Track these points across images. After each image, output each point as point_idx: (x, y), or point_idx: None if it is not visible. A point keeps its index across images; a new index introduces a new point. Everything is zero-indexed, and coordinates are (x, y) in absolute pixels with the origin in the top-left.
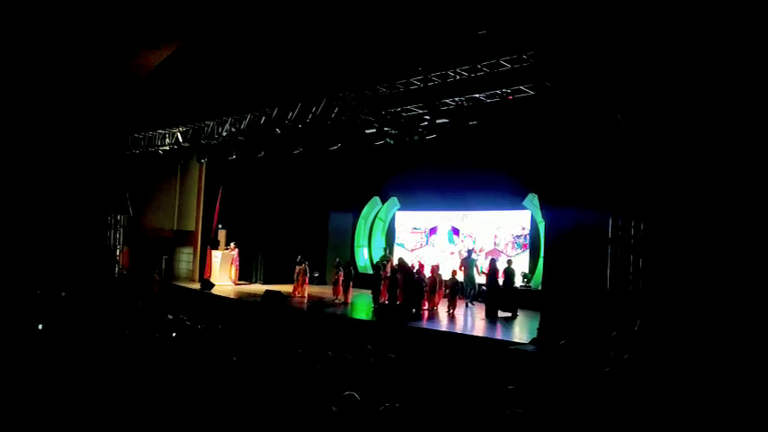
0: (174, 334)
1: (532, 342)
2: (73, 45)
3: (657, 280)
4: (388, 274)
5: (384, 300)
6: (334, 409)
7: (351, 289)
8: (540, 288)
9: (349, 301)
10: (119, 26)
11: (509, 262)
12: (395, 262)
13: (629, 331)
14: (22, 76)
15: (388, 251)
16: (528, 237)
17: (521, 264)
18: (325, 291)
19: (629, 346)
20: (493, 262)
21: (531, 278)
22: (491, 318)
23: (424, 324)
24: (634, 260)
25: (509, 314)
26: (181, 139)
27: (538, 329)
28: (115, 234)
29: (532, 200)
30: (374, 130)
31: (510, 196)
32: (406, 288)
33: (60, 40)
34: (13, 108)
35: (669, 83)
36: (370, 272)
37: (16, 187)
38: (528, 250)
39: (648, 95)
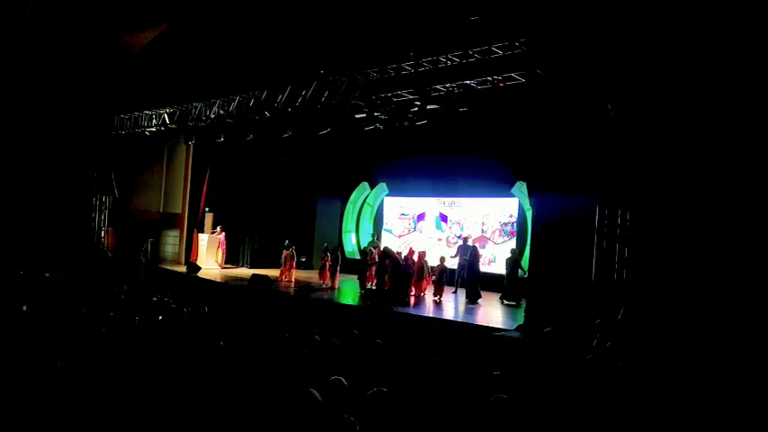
0: (159, 317)
1: (518, 329)
2: (58, 23)
3: (641, 269)
4: (376, 260)
5: (371, 285)
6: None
7: (338, 274)
8: (526, 276)
9: (336, 286)
10: (106, 4)
11: (513, 252)
12: (381, 248)
13: (613, 319)
14: (5, 56)
15: (375, 237)
16: (515, 224)
17: (508, 251)
18: (312, 275)
19: (613, 333)
20: (474, 248)
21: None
22: (471, 302)
23: (411, 310)
24: (619, 249)
25: (513, 303)
26: (168, 121)
27: (524, 316)
28: (100, 215)
29: (521, 187)
30: (364, 115)
31: (498, 184)
32: (393, 274)
33: (45, 19)
34: None
35: (658, 72)
36: (358, 257)
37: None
38: (515, 238)
39: (638, 85)
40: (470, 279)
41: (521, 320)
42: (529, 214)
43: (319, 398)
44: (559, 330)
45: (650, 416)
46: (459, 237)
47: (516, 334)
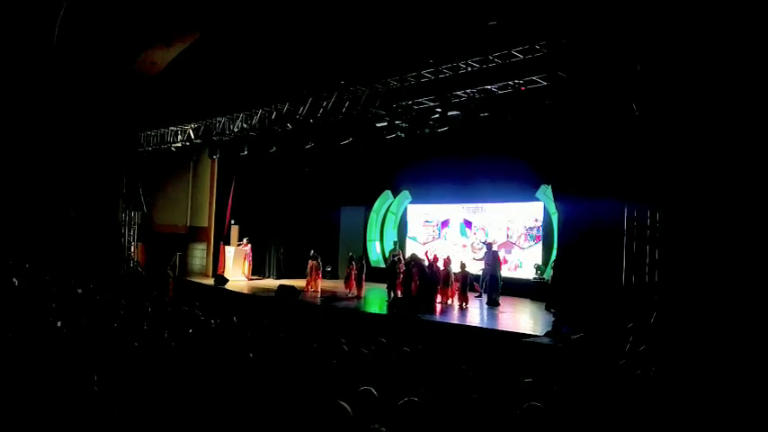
0: (189, 330)
1: (547, 334)
2: (86, 44)
3: (674, 271)
4: (403, 269)
5: (398, 293)
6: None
7: (363, 283)
8: (547, 280)
9: (362, 295)
10: (131, 23)
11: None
12: (406, 256)
13: (646, 323)
14: (38, 77)
15: (397, 245)
16: (541, 228)
17: (534, 256)
18: (337, 285)
19: (646, 338)
20: (495, 254)
21: (545, 270)
22: (491, 307)
23: (437, 317)
24: (650, 251)
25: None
26: (193, 136)
27: (552, 321)
28: (129, 231)
29: (545, 191)
30: (385, 124)
31: (522, 188)
32: (420, 282)
33: (74, 40)
34: (28, 108)
35: (685, 70)
36: (383, 266)
37: (32, 187)
38: (541, 242)
39: (663, 83)
40: (490, 285)
41: (549, 326)
42: (554, 218)
43: (350, 410)
44: (590, 335)
45: (685, 422)
46: (483, 242)
47: (546, 340)
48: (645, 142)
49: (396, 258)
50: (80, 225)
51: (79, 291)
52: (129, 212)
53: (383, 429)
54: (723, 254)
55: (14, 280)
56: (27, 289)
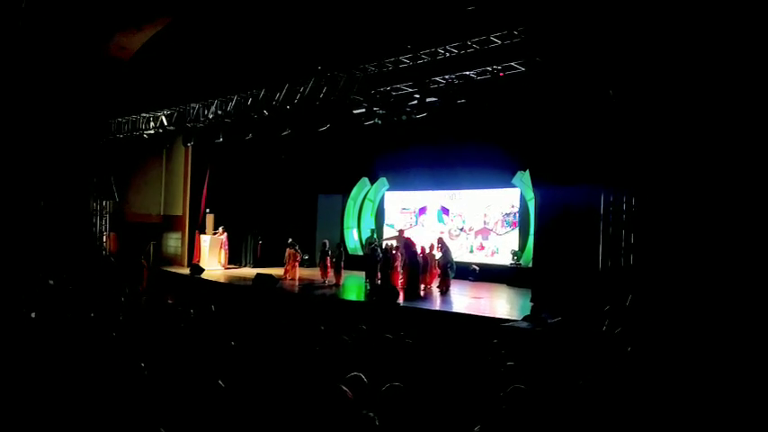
0: (167, 320)
1: (525, 319)
2: (52, 27)
3: (649, 255)
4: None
5: (377, 280)
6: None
7: (342, 271)
8: (530, 265)
9: (341, 283)
10: (99, 6)
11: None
12: (392, 243)
13: (622, 306)
14: (2, 62)
15: (374, 232)
16: (517, 214)
17: (510, 242)
18: (315, 273)
19: (621, 320)
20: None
21: (522, 256)
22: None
23: (417, 303)
24: (626, 236)
25: None
26: (166, 123)
27: (531, 306)
28: (101, 220)
29: (522, 177)
30: (363, 110)
31: (499, 174)
32: (409, 267)
33: (39, 25)
34: None
35: (660, 56)
36: (361, 253)
37: None
38: (517, 228)
39: (639, 69)
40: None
41: (527, 311)
42: (531, 204)
43: (350, 395)
44: (568, 319)
45: (661, 402)
46: (461, 229)
47: (525, 324)
48: (621, 127)
49: (374, 246)
50: (50, 215)
51: (50, 282)
52: (101, 201)
53: (371, 414)
54: (698, 237)
55: None
56: None
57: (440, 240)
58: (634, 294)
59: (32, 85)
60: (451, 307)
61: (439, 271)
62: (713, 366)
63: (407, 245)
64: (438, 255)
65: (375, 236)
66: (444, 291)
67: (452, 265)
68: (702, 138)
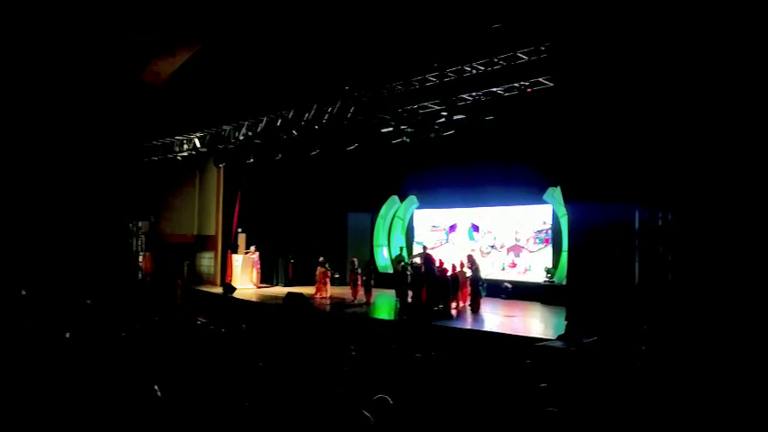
0: (199, 338)
1: (560, 338)
2: (93, 55)
3: (688, 272)
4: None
5: (408, 299)
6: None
7: (372, 289)
8: (564, 283)
9: (371, 302)
10: (135, 34)
11: None
12: (416, 261)
13: (660, 325)
14: (46, 90)
15: (403, 250)
16: (550, 231)
17: (543, 259)
18: (346, 291)
19: (661, 340)
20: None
21: (555, 273)
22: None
23: (449, 322)
24: (663, 252)
25: None
26: (198, 145)
27: (565, 325)
28: (137, 240)
29: (553, 193)
30: (391, 129)
31: (530, 191)
32: (430, 285)
33: (81, 51)
34: (37, 120)
35: (696, 67)
36: (391, 271)
37: (41, 197)
38: (550, 245)
39: (673, 81)
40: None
41: (561, 330)
42: (563, 220)
43: (371, 419)
44: (604, 338)
45: (700, 424)
46: (491, 246)
47: (559, 344)
48: (655, 141)
49: (403, 264)
50: (88, 235)
51: (88, 301)
52: (137, 222)
53: None
54: (737, 254)
55: (23, 291)
56: (35, 299)
57: (469, 258)
58: (673, 313)
59: (72, 111)
60: (483, 326)
61: (470, 289)
62: (759, 390)
63: (427, 260)
64: (468, 272)
65: (404, 254)
66: (476, 309)
67: (483, 282)
68: (740, 151)
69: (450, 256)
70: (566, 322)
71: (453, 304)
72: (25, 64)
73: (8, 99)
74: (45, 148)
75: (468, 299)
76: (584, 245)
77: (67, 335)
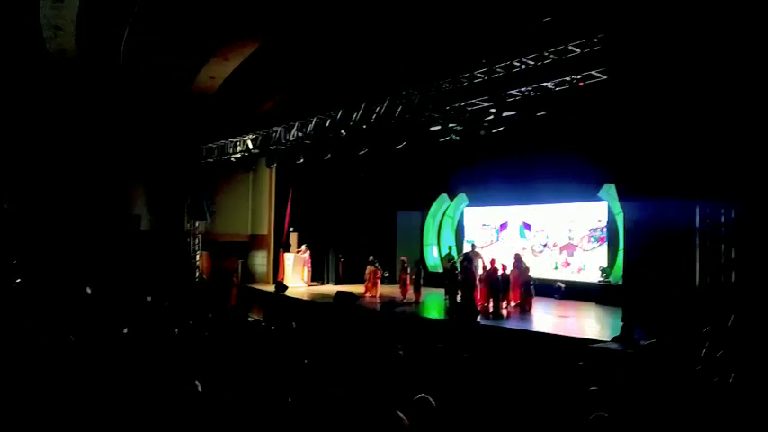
0: (249, 335)
1: (615, 339)
2: (150, 62)
3: (752, 271)
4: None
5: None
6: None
7: (421, 288)
8: (620, 283)
9: (420, 301)
10: (190, 41)
11: None
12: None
13: (723, 327)
14: (108, 98)
15: (452, 249)
16: (605, 229)
17: (598, 258)
18: (396, 290)
19: (723, 343)
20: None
21: (611, 272)
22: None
23: (498, 322)
24: (725, 250)
25: None
26: (251, 146)
27: (621, 326)
28: (194, 240)
29: (608, 190)
30: (439, 127)
31: (584, 187)
32: (466, 286)
33: (139, 59)
34: (102, 128)
35: (756, 55)
36: (440, 270)
37: (107, 200)
38: (606, 243)
39: (733, 67)
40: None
41: (617, 331)
42: (619, 218)
43: (406, 421)
44: (662, 341)
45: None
46: (544, 245)
47: (615, 346)
48: (717, 135)
49: (453, 263)
50: (150, 236)
51: (148, 299)
52: (194, 222)
53: None
54: None
55: (87, 289)
56: (99, 298)
57: (516, 257)
58: (737, 314)
59: (132, 116)
60: (534, 326)
61: (521, 289)
62: None
63: (467, 260)
64: (513, 271)
65: (453, 252)
66: (527, 309)
67: (533, 282)
68: None
69: (501, 256)
70: (621, 323)
71: (504, 304)
72: (90, 77)
73: (78, 106)
74: (113, 153)
75: (519, 299)
76: (641, 243)
77: (125, 330)
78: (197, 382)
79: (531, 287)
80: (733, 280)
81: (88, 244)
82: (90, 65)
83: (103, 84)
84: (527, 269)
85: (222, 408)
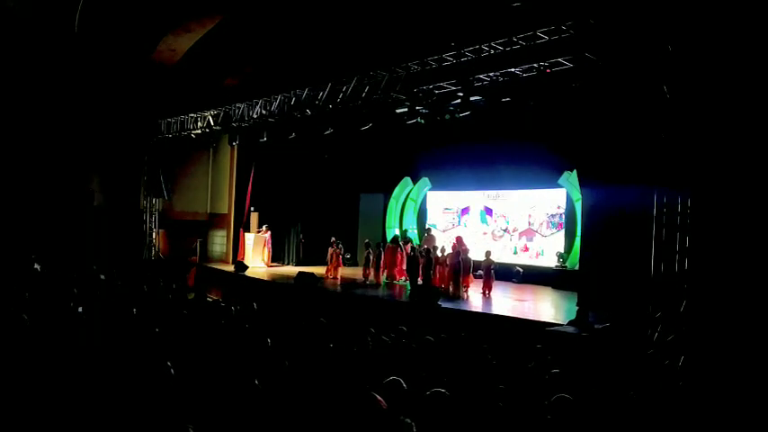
0: (209, 315)
1: (571, 323)
2: (106, 32)
3: (705, 259)
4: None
5: (419, 281)
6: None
7: (382, 270)
8: (576, 268)
9: (380, 282)
10: (150, 10)
11: None
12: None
13: (675, 313)
14: (59, 67)
15: (406, 232)
16: (563, 216)
17: (556, 243)
18: (357, 272)
19: (674, 327)
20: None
21: (567, 258)
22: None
23: (460, 305)
24: (680, 238)
25: None
26: (212, 123)
27: (577, 310)
28: (150, 218)
29: (569, 178)
30: (405, 109)
31: (545, 174)
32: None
33: (94, 28)
34: (51, 98)
35: (718, 50)
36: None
37: (55, 175)
38: (563, 229)
39: (696, 64)
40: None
41: (573, 315)
42: (578, 205)
43: (384, 404)
44: (616, 325)
45: (713, 414)
46: (504, 230)
47: (570, 329)
48: (676, 125)
49: (413, 246)
50: (103, 212)
51: (102, 277)
52: (151, 200)
53: (408, 421)
54: (757, 240)
55: (36, 266)
56: (49, 275)
57: (458, 239)
58: (688, 300)
59: (86, 88)
60: (494, 309)
61: (481, 272)
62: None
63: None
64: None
65: (410, 234)
66: (486, 293)
67: (493, 266)
68: (762, 137)
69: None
70: (577, 308)
71: (463, 287)
72: (41, 44)
73: (25, 79)
74: (62, 125)
75: (448, 280)
76: (598, 229)
77: (80, 309)
78: (169, 364)
79: (492, 271)
80: (686, 267)
81: (37, 219)
82: (42, 29)
83: (56, 50)
84: (466, 251)
85: (193, 390)
